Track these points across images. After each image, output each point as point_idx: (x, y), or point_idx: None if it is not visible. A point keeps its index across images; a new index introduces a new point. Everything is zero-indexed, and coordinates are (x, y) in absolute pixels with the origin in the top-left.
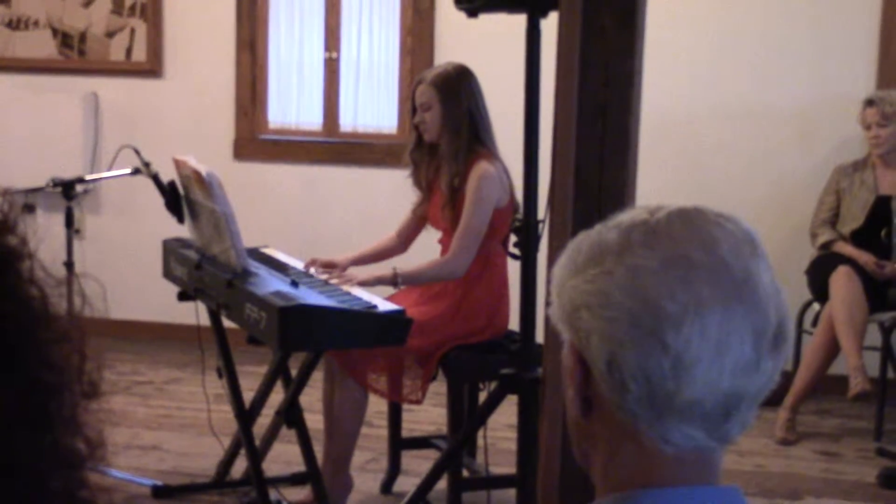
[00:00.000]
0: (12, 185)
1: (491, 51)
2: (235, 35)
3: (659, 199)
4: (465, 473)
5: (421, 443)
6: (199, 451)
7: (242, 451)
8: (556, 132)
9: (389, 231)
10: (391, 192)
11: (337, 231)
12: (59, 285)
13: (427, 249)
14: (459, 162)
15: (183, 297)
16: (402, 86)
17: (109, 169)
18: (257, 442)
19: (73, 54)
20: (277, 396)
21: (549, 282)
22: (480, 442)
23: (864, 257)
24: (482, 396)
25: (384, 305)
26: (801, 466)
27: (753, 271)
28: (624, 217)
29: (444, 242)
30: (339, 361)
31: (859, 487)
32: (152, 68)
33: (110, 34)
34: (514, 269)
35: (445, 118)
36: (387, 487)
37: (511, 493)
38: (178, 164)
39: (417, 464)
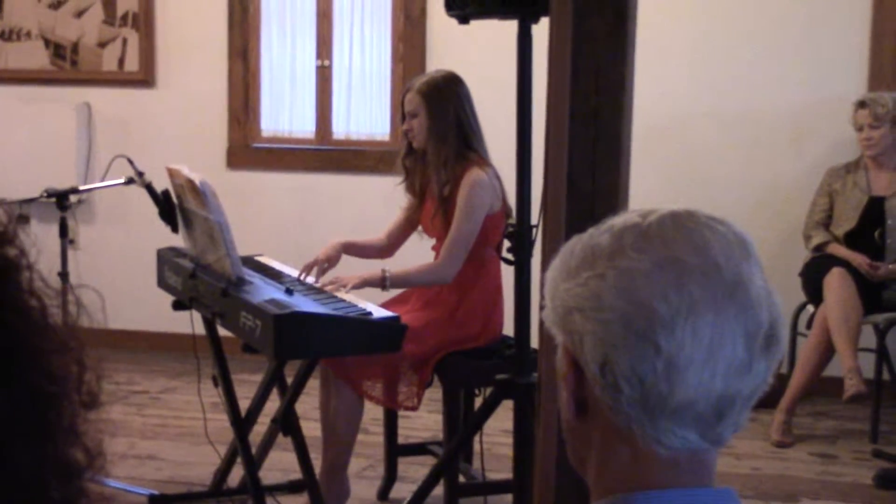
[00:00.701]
0: (6, 195)
1: (482, 57)
2: (227, 44)
3: (652, 203)
4: (462, 479)
5: (417, 449)
6: (196, 460)
7: (239, 460)
8: (548, 138)
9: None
10: (384, 199)
11: (330, 238)
12: (59, 296)
13: (420, 258)
14: (448, 169)
15: (178, 306)
16: (394, 93)
17: (103, 179)
18: (254, 450)
19: (66, 65)
20: (273, 404)
21: (542, 287)
22: (477, 448)
23: (858, 259)
24: (478, 402)
25: (379, 312)
26: (797, 469)
27: (745, 273)
28: (616, 220)
29: (437, 249)
30: (335, 369)
31: (856, 489)
32: (145, 78)
33: (102, 44)
34: (507, 274)
35: (431, 126)
36: (383, 494)
37: (508, 498)
38: (172, 174)
39: (414, 470)
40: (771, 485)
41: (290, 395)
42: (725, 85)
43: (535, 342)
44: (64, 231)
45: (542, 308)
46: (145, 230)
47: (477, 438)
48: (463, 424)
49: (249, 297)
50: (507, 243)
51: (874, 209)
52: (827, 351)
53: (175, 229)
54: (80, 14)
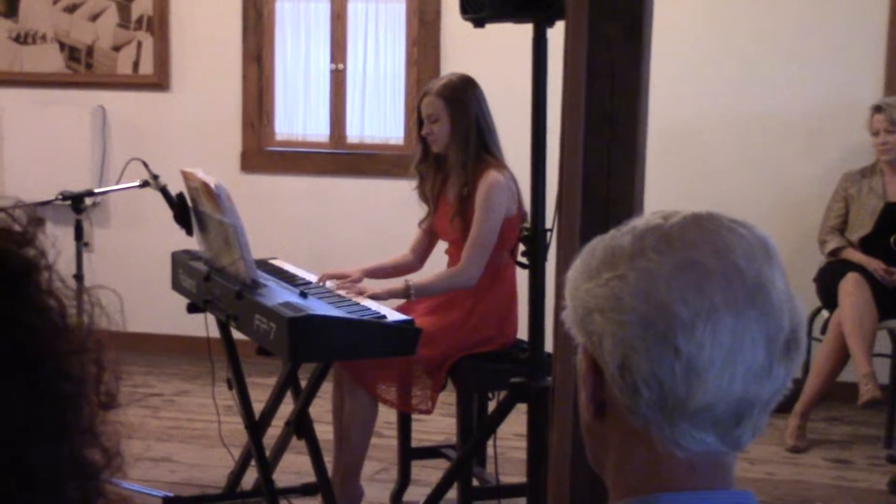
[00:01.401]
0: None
1: (497, 61)
2: (242, 47)
3: (667, 208)
4: (476, 483)
5: (431, 452)
6: (210, 463)
7: (253, 463)
8: (563, 142)
9: (396, 241)
10: (398, 203)
11: (344, 242)
12: (77, 297)
13: (436, 260)
14: (468, 172)
15: (192, 308)
16: (408, 97)
17: (118, 182)
18: (268, 453)
19: (81, 68)
20: (287, 407)
21: (557, 291)
22: (490, 451)
23: (874, 264)
24: (491, 406)
25: (393, 316)
26: (812, 474)
27: (767, 277)
28: (638, 222)
29: (452, 253)
30: (349, 372)
31: (870, 495)
32: (159, 81)
33: (117, 48)
34: (522, 277)
35: (454, 129)
36: (397, 497)
37: (521, 502)
38: (186, 177)
39: (427, 473)
40: (785, 490)
41: (305, 398)
42: (741, 90)
43: (549, 346)
44: (79, 234)
45: (562, 309)
46: (160, 233)
47: (490, 442)
48: (477, 428)
49: (264, 300)
50: (521, 247)
51: (890, 214)
52: (842, 356)
53: (190, 232)
54: (95, 17)
